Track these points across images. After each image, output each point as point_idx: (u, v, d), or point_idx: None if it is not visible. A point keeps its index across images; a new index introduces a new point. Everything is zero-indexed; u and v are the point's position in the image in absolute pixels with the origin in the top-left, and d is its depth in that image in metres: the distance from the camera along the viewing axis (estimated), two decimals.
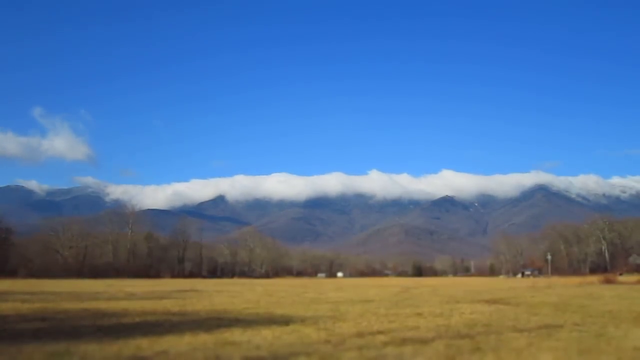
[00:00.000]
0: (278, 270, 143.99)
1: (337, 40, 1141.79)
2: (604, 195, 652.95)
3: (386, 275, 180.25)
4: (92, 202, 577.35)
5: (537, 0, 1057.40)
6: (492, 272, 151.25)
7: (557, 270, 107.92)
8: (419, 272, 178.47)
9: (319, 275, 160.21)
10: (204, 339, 7.21)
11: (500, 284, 43.13)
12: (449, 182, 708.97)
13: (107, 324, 9.47)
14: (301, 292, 25.76)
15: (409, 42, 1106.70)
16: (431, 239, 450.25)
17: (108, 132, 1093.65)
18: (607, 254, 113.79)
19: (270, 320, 10.12)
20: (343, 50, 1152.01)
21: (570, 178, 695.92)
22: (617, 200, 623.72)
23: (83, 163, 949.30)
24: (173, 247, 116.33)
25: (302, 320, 10.02)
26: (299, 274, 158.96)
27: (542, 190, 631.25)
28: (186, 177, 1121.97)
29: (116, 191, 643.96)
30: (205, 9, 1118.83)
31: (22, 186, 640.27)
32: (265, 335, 7.55)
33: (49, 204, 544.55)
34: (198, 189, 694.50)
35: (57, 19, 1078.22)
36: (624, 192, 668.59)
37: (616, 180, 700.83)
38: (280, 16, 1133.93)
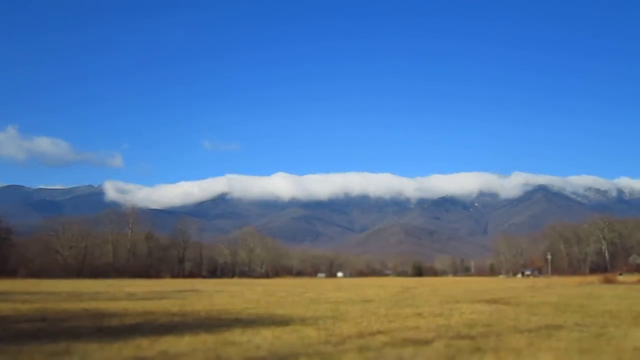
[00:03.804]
0: (278, 270, 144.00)
1: (337, 40, 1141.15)
2: (604, 195, 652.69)
3: (386, 275, 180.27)
4: (92, 202, 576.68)
5: (535, 0, 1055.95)
6: (492, 272, 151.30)
7: (557, 270, 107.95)
8: (419, 272, 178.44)
9: (319, 275, 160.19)
10: (204, 339, 7.22)
11: (500, 284, 43.15)
12: (449, 181, 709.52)
13: (107, 324, 9.47)
14: (301, 292, 25.76)
15: (412, 41, 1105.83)
16: (431, 239, 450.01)
17: (107, 132, 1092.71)
18: (607, 254, 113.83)
19: (270, 320, 10.12)
20: (345, 49, 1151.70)
21: (570, 178, 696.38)
22: (617, 200, 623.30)
23: (83, 163, 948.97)
24: (173, 247, 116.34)
25: (302, 320, 10.02)
26: (299, 274, 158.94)
27: (542, 190, 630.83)
28: (186, 177, 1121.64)
29: (116, 191, 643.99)
30: (202, 9, 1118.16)
31: (22, 186, 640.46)
32: (265, 335, 7.56)
33: (49, 204, 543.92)
34: (198, 189, 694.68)
35: (55, 18, 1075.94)
36: (624, 192, 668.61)
37: (616, 180, 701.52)
38: (276, 16, 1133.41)
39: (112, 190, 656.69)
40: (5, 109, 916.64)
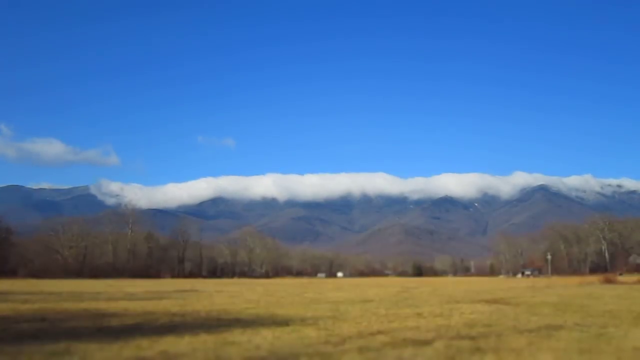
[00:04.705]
0: (278, 270, 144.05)
1: (338, 38, 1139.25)
2: (604, 195, 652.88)
3: (386, 275, 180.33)
4: (92, 202, 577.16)
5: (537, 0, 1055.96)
6: (492, 272, 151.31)
7: (557, 270, 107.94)
8: (419, 272, 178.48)
9: (319, 275, 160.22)
10: (204, 339, 7.22)
11: (500, 284, 43.17)
12: (449, 182, 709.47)
13: (107, 324, 9.47)
14: (301, 292, 25.77)
15: (412, 40, 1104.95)
16: (431, 239, 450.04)
17: (106, 133, 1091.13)
18: (607, 254, 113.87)
19: (270, 320, 10.12)
20: (345, 48, 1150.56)
21: (570, 178, 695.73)
22: (617, 200, 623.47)
23: (83, 163, 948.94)
24: (173, 247, 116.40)
25: (302, 320, 10.03)
26: (299, 274, 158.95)
27: (542, 190, 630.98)
28: (186, 177, 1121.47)
29: (116, 191, 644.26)
30: (203, 9, 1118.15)
31: (22, 186, 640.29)
32: (265, 335, 7.56)
33: (49, 204, 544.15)
34: (197, 189, 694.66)
35: (51, 17, 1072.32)
36: (624, 192, 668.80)
37: (616, 180, 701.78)
38: (275, 15, 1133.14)
39: (111, 190, 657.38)
40: (5, 109, 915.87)
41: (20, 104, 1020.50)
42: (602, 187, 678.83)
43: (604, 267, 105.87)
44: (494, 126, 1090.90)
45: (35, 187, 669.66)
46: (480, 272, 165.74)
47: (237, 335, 7.60)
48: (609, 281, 37.86)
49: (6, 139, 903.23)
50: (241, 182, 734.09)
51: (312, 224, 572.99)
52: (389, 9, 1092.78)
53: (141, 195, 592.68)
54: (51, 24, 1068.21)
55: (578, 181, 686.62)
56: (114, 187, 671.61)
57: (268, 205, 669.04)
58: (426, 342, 6.80)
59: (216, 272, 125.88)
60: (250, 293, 24.94)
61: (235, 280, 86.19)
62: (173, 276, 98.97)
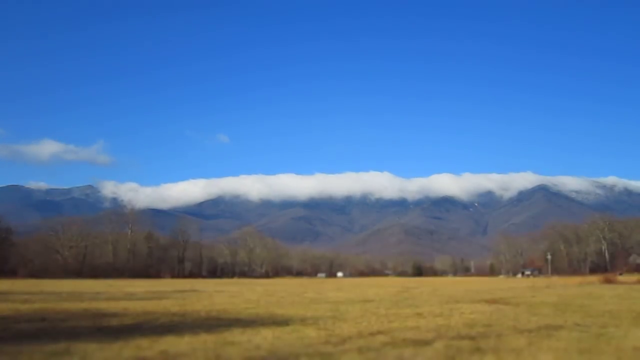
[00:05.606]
0: (278, 270, 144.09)
1: (339, 39, 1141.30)
2: (604, 195, 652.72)
3: (386, 275, 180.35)
4: (92, 202, 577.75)
5: (537, 0, 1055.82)
6: (492, 272, 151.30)
7: (557, 270, 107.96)
8: (419, 272, 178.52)
9: (319, 275, 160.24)
10: (204, 338, 7.22)
11: (500, 284, 43.17)
12: (449, 182, 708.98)
13: (107, 324, 9.47)
14: (301, 292, 25.77)
15: (411, 41, 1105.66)
16: (431, 239, 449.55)
17: (106, 133, 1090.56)
18: (607, 254, 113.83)
19: (270, 320, 10.12)
20: (345, 49, 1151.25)
21: (570, 178, 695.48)
22: (617, 200, 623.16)
23: (84, 164, 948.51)
24: (173, 247, 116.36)
25: (302, 320, 10.03)
26: (299, 274, 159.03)
27: (542, 190, 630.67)
28: (186, 176, 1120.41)
29: (116, 191, 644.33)
30: (204, 9, 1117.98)
31: (22, 186, 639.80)
32: (265, 335, 7.56)
33: (49, 204, 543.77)
34: (197, 189, 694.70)
35: (46, 20, 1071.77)
36: (625, 192, 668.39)
37: (616, 180, 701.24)
38: (277, 15, 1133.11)
39: (111, 190, 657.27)
40: (5, 109, 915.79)
41: (15, 106, 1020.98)
42: (602, 188, 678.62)
43: (604, 267, 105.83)
44: (494, 126, 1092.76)
45: (34, 187, 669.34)
46: (480, 272, 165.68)
47: (237, 335, 7.60)
48: (609, 281, 37.85)
49: (3, 141, 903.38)
50: (241, 183, 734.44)
51: (312, 224, 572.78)
52: (390, 9, 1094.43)
53: (141, 195, 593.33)
54: (45, 26, 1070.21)
55: (578, 181, 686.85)
56: (113, 187, 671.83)
57: (268, 205, 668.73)
58: (426, 342, 6.80)
59: (216, 272, 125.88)
60: (250, 293, 24.93)
61: (235, 280, 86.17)
62: (173, 276, 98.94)
